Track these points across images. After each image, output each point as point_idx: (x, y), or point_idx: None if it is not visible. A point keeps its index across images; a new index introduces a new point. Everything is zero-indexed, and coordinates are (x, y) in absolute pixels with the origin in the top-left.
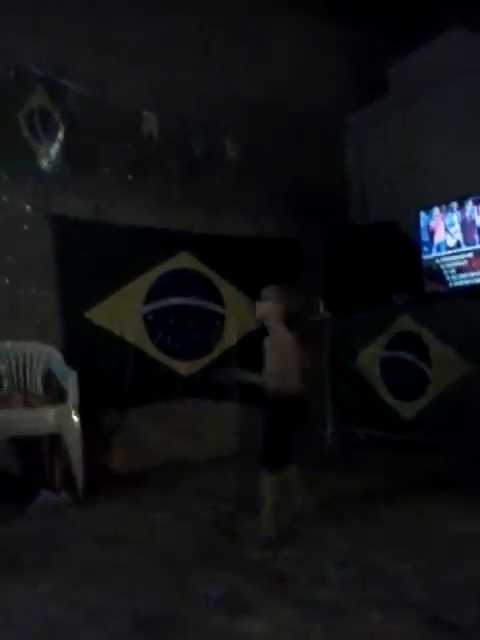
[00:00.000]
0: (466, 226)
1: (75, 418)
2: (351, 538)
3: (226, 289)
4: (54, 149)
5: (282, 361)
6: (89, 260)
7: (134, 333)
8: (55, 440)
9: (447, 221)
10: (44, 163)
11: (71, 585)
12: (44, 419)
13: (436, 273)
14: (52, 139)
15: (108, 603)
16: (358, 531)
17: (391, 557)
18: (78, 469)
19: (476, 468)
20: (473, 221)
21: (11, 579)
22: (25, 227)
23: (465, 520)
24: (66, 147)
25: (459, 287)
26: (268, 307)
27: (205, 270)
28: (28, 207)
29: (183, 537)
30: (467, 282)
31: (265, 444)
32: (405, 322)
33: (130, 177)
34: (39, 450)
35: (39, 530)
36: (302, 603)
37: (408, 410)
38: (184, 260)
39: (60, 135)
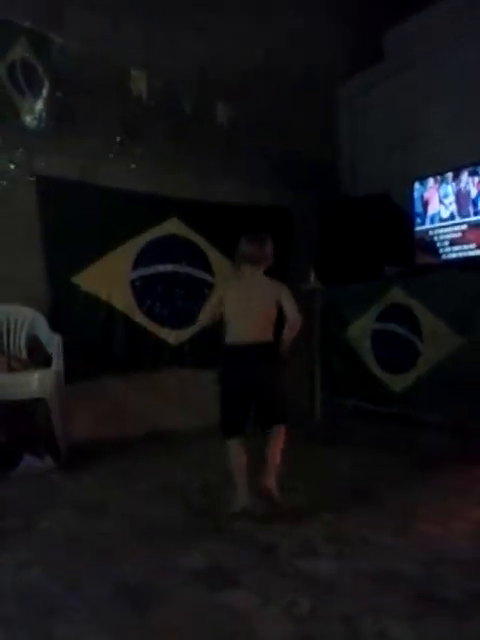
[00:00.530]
0: (461, 197)
1: (59, 383)
2: (340, 511)
3: (215, 257)
4: (38, 105)
5: (228, 310)
6: (75, 223)
7: (121, 299)
8: (39, 405)
9: (442, 192)
10: (28, 119)
11: (53, 552)
12: (28, 384)
13: (429, 245)
14: (36, 94)
15: (89, 571)
16: (347, 504)
17: (381, 531)
18: (62, 435)
19: (465, 442)
20: (468, 192)
21: None
22: (8, 187)
23: (455, 495)
24: (51, 103)
25: (452, 259)
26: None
27: (195, 237)
28: (12, 166)
29: (168, 506)
30: (460, 254)
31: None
32: (396, 294)
33: (118, 138)
34: (23, 415)
35: (22, 496)
36: (288, 575)
37: (397, 383)
38: (173, 226)
39: (45, 90)
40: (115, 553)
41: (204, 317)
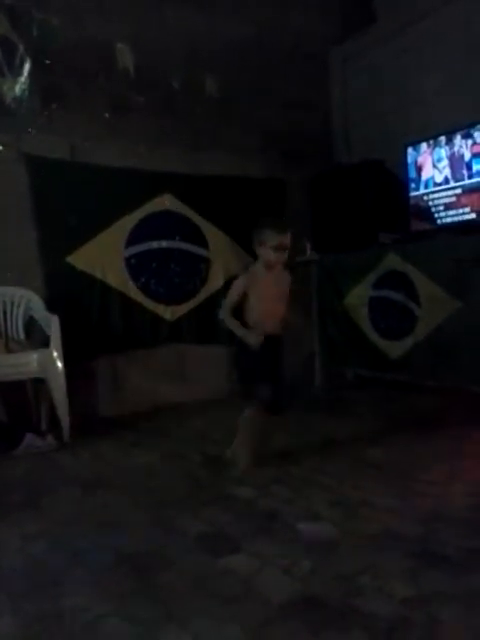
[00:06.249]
0: (454, 161)
1: (58, 362)
2: (340, 477)
3: (210, 231)
4: (20, 83)
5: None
6: (68, 203)
7: (116, 277)
8: (39, 385)
9: (435, 157)
10: (10, 98)
11: (56, 526)
12: (27, 363)
13: (424, 210)
14: (18, 72)
15: (92, 543)
16: (346, 470)
17: (380, 493)
18: (63, 413)
19: (464, 407)
20: (462, 156)
21: None
22: None
23: (454, 458)
24: (34, 81)
25: (447, 224)
26: None
27: (188, 212)
28: (0, 147)
29: (170, 479)
30: (455, 219)
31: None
32: (392, 261)
33: (106, 115)
34: (24, 395)
35: (25, 474)
36: (289, 540)
37: (395, 349)
38: (166, 201)
39: (26, 68)
40: (117, 524)
41: None
